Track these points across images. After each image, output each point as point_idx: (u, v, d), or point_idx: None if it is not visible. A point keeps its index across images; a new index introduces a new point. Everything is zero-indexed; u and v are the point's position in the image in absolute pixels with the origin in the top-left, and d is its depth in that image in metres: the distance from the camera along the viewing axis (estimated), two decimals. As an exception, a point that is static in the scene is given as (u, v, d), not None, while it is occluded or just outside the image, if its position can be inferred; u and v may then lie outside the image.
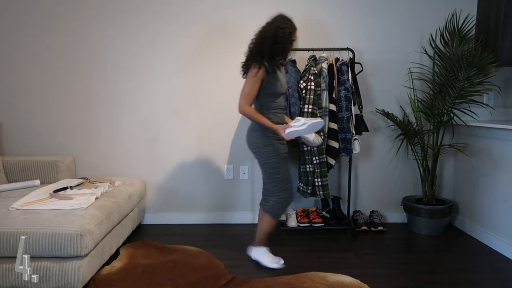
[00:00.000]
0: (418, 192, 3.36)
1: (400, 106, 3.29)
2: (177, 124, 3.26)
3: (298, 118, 2.28)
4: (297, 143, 2.91)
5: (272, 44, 2.31)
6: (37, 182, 2.88)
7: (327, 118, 2.88)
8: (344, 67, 2.87)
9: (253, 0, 3.15)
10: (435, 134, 3.07)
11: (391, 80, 3.26)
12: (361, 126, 2.96)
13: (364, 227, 3.13)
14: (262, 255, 2.53)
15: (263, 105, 2.42)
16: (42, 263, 2.07)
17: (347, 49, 3.02)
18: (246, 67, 2.42)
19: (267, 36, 2.32)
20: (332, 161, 2.92)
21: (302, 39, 3.19)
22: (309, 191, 2.91)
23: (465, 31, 3.08)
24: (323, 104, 2.87)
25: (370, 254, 2.71)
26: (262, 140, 2.38)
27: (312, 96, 2.79)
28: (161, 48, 3.17)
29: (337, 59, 2.98)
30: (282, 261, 2.52)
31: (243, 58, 3.21)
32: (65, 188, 2.61)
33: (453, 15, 3.18)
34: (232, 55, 3.19)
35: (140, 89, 3.22)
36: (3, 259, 2.07)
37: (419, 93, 3.25)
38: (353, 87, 2.91)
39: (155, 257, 2.60)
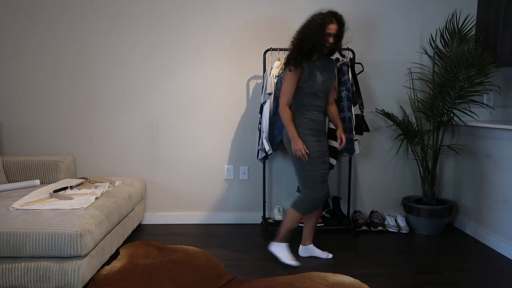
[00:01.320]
0: (418, 192, 3.36)
1: (400, 106, 3.29)
2: (177, 124, 3.26)
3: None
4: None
5: (303, 39, 2.32)
6: (37, 182, 2.88)
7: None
8: (344, 67, 2.86)
9: (252, 5, 3.14)
10: (435, 134, 3.07)
11: (391, 80, 3.26)
12: (362, 126, 2.97)
13: (364, 227, 3.14)
14: (281, 251, 2.56)
15: (298, 103, 2.44)
16: (42, 263, 2.07)
17: (347, 49, 3.02)
18: (286, 64, 2.43)
19: (301, 31, 2.36)
20: (333, 161, 2.92)
21: (302, 39, 3.20)
22: (309, 191, 2.90)
23: (465, 31, 3.07)
24: (323, 104, 2.87)
25: (370, 254, 2.71)
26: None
27: (312, 96, 2.79)
28: (162, 49, 3.17)
29: (337, 59, 2.98)
30: (297, 262, 2.53)
31: (243, 60, 3.24)
32: (65, 188, 2.61)
33: (453, 15, 3.18)
34: (232, 57, 3.19)
35: (140, 89, 3.22)
36: (3, 259, 2.07)
37: (419, 93, 3.25)
38: (353, 87, 2.91)
39: (155, 257, 2.60)
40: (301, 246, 2.68)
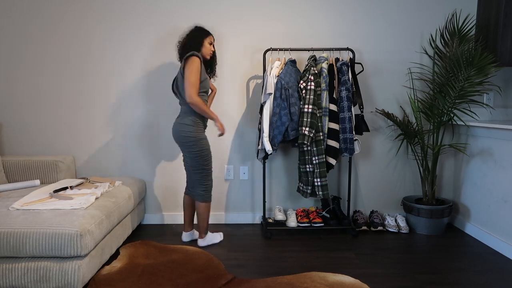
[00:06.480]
0: (418, 192, 3.36)
1: (400, 106, 3.29)
2: (177, 124, 3.25)
3: None
4: (297, 142, 2.91)
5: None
6: (37, 182, 2.88)
7: (327, 118, 2.88)
8: (344, 67, 2.87)
9: (253, 5, 3.15)
10: (435, 134, 3.08)
11: (391, 80, 3.26)
12: (362, 126, 2.97)
13: (364, 227, 3.14)
14: (212, 238, 2.89)
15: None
16: (42, 263, 2.07)
17: (347, 49, 3.02)
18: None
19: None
20: (333, 161, 2.92)
21: (302, 39, 3.20)
22: (308, 191, 2.91)
23: (465, 31, 3.08)
24: (323, 104, 2.87)
25: (370, 254, 2.71)
26: (196, 134, 2.63)
27: (312, 96, 2.80)
28: (161, 49, 3.17)
29: (337, 59, 2.99)
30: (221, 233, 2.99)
31: (243, 60, 3.23)
32: (65, 188, 2.61)
33: (453, 15, 3.18)
34: (232, 57, 3.19)
35: (140, 89, 3.22)
36: (3, 259, 2.07)
37: (419, 93, 3.25)
38: (353, 87, 2.91)
39: (155, 257, 2.60)
40: (184, 233, 2.93)
